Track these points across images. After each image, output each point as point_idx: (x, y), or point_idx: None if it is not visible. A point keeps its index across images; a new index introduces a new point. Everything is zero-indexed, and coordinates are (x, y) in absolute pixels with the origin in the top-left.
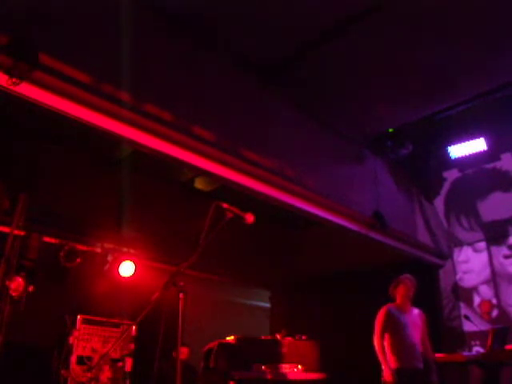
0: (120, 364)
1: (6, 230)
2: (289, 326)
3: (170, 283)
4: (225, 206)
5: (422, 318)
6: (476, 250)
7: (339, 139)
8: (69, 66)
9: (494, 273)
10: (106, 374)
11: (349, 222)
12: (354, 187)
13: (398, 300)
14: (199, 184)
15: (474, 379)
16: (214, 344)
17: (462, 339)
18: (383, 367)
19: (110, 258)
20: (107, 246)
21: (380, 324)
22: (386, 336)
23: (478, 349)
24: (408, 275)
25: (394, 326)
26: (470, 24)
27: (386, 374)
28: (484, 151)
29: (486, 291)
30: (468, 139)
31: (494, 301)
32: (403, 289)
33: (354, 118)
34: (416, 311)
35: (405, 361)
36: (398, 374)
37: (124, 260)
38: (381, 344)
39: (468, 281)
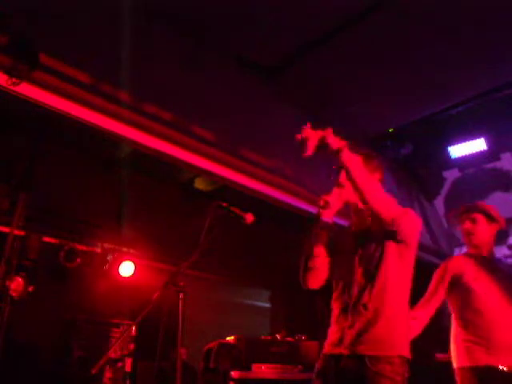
0: (120, 364)
1: (5, 230)
2: (289, 325)
3: (169, 283)
4: (225, 205)
5: None
6: None
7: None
8: (69, 66)
9: None
10: (106, 374)
11: (349, 221)
12: None
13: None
14: (199, 184)
15: None
16: (214, 344)
17: None
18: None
19: (109, 258)
20: (107, 246)
21: None
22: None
23: None
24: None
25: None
26: (470, 24)
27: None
28: (484, 151)
29: None
30: (468, 139)
31: None
32: None
33: (353, 117)
34: None
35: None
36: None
37: (124, 260)
38: None
39: None
